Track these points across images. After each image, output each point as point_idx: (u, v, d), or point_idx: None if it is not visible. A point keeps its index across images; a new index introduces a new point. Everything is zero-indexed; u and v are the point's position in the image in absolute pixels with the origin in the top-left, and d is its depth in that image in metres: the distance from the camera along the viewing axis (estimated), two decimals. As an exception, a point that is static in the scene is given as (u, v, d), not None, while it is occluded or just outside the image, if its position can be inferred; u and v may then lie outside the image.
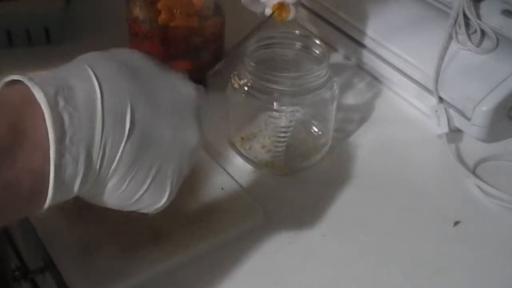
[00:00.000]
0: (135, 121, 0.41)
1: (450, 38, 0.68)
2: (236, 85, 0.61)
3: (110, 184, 0.41)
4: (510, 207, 0.61)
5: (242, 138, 0.65)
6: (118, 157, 0.40)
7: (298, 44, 0.64)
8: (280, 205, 0.60)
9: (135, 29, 0.71)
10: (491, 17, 0.70)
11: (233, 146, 0.65)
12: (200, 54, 0.72)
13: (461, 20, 0.68)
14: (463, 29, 0.68)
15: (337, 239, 0.57)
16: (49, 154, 0.37)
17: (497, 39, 0.67)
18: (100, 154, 0.39)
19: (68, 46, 0.79)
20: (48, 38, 0.78)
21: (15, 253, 0.72)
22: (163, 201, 0.44)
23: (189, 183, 0.59)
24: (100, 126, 0.39)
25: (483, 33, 0.68)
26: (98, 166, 0.40)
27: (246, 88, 0.60)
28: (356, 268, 0.55)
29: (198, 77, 0.73)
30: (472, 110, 0.65)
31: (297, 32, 0.64)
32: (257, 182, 0.62)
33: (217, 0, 0.72)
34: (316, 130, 0.66)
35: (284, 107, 0.60)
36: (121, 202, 0.43)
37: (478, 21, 0.68)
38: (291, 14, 0.65)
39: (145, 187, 0.43)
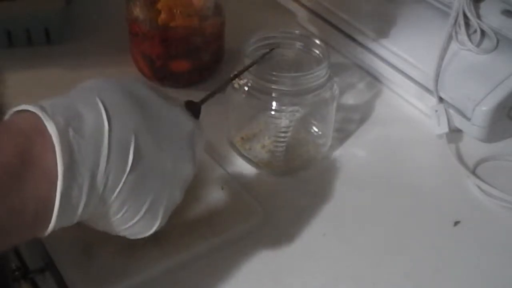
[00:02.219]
0: (139, 153, 0.42)
1: (450, 38, 0.68)
2: (236, 85, 0.61)
3: (109, 211, 0.42)
4: (510, 207, 0.61)
5: (242, 138, 0.65)
6: (120, 186, 0.41)
7: (298, 44, 0.64)
8: (280, 205, 0.60)
9: (135, 29, 0.71)
10: (491, 17, 0.70)
11: (233, 146, 0.65)
12: (200, 54, 0.72)
13: (461, 20, 0.68)
14: (463, 29, 0.68)
15: (337, 239, 0.57)
16: (56, 182, 0.38)
17: (497, 39, 0.67)
18: (103, 182, 0.41)
19: (68, 46, 0.79)
20: (48, 38, 0.78)
21: (15, 253, 0.72)
22: (154, 228, 0.46)
23: (190, 183, 0.59)
24: (105, 156, 0.40)
25: (483, 33, 0.68)
26: (100, 194, 0.41)
27: (246, 88, 0.60)
28: (356, 268, 0.55)
29: (198, 77, 0.73)
30: (472, 110, 0.65)
31: (297, 32, 0.64)
32: (257, 182, 0.62)
33: (217, 0, 0.72)
34: (316, 130, 0.66)
35: (284, 107, 0.60)
36: (115, 228, 0.44)
37: (478, 21, 0.68)
38: None
39: (140, 214, 0.44)
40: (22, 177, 0.37)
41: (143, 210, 0.44)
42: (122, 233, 0.45)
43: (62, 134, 0.39)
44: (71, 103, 0.41)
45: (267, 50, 0.61)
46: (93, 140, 0.40)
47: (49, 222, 0.39)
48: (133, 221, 0.44)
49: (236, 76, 0.59)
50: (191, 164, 0.46)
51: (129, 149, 0.41)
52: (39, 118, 0.39)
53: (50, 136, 0.38)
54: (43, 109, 0.40)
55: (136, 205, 0.43)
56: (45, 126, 0.39)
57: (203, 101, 0.52)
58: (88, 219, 0.43)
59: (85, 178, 0.40)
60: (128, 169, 0.41)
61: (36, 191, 0.38)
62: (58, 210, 0.39)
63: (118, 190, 0.41)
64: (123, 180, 0.41)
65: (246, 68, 0.59)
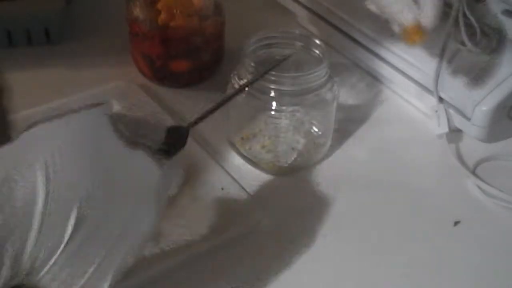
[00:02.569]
0: (82, 220, 0.39)
1: (450, 38, 0.68)
2: (236, 85, 0.61)
3: (45, 278, 0.39)
4: (510, 207, 0.61)
5: (242, 138, 0.65)
6: (54, 259, 0.38)
7: (298, 44, 0.64)
8: (280, 205, 0.60)
9: (135, 29, 0.71)
10: (491, 17, 0.70)
11: (233, 146, 0.65)
12: (200, 54, 0.72)
13: (461, 20, 0.68)
14: (463, 29, 0.68)
15: (337, 238, 0.57)
16: None
17: (497, 39, 0.67)
18: (33, 257, 0.38)
19: (68, 46, 0.79)
20: (48, 38, 0.78)
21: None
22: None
23: (190, 183, 0.59)
24: (36, 230, 0.37)
25: (483, 33, 0.68)
26: (28, 267, 0.38)
27: (246, 88, 0.60)
28: (356, 268, 0.55)
29: (198, 77, 0.73)
30: (472, 110, 0.65)
31: (297, 32, 0.64)
32: (257, 182, 0.62)
33: (217, 0, 0.72)
34: (316, 130, 0.66)
35: (284, 107, 0.60)
36: None
37: (478, 21, 0.68)
38: (424, 38, 0.55)
39: (83, 279, 0.40)
40: None
41: (87, 275, 0.40)
42: None
43: None
44: (7, 161, 0.38)
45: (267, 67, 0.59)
46: (23, 213, 0.37)
47: None
48: (79, 284, 0.40)
49: (229, 98, 0.56)
50: (150, 219, 0.42)
51: (68, 220, 0.38)
52: None
53: None
54: None
55: (78, 271, 0.40)
56: None
57: (194, 123, 0.48)
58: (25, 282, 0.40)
59: (8, 255, 0.36)
60: (64, 241, 0.38)
61: None
62: None
63: (52, 262, 0.38)
64: (57, 253, 0.38)
65: (244, 86, 0.56)
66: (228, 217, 0.56)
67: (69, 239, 0.38)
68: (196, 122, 0.49)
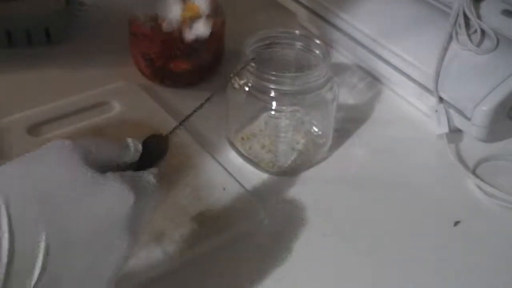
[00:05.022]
0: (45, 266, 0.36)
1: (450, 38, 0.68)
2: (236, 85, 0.61)
3: None
4: (510, 207, 0.61)
5: (242, 138, 0.65)
6: None
7: (298, 44, 0.64)
8: (280, 205, 0.60)
9: (135, 29, 0.71)
10: (491, 17, 0.70)
11: (233, 146, 0.65)
12: (200, 54, 0.71)
13: (461, 20, 0.68)
14: (463, 29, 0.68)
15: (337, 239, 0.57)
16: None
17: (497, 39, 0.67)
18: None
19: (68, 46, 0.79)
20: (48, 38, 0.78)
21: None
22: None
23: (190, 184, 0.59)
24: (2, 272, 0.35)
25: (483, 33, 0.68)
26: None
27: (246, 88, 0.60)
28: (356, 268, 0.55)
29: (198, 77, 0.73)
30: (472, 110, 0.65)
31: (297, 32, 0.64)
32: (257, 182, 0.62)
33: (217, 0, 0.72)
34: (316, 130, 0.66)
35: (284, 107, 0.60)
36: None
37: (478, 21, 0.68)
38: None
39: None
40: None
41: None
42: None
43: None
44: None
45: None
46: None
47: None
48: None
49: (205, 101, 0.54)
50: (120, 246, 0.40)
51: (33, 266, 0.36)
52: None
53: None
54: None
55: None
56: None
57: (173, 130, 0.47)
58: None
59: None
60: (33, 283, 0.36)
61: None
62: None
63: None
64: None
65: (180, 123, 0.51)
66: (230, 217, 0.57)
67: (35, 285, 0.36)
68: (174, 129, 0.48)
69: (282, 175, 0.63)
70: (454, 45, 0.68)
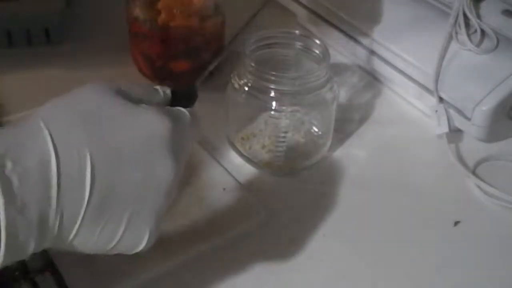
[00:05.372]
0: (95, 175, 0.38)
1: (450, 38, 0.68)
2: (236, 85, 0.61)
3: (77, 241, 0.40)
4: (510, 207, 0.61)
5: (242, 138, 0.65)
6: (80, 217, 0.38)
7: (298, 44, 0.64)
8: (280, 205, 0.60)
9: (135, 29, 0.71)
10: (491, 17, 0.70)
11: (233, 146, 0.65)
12: (200, 54, 0.72)
13: (461, 20, 0.68)
14: (463, 29, 0.68)
15: (337, 239, 0.57)
16: None
17: (497, 39, 0.67)
18: (58, 216, 0.38)
19: (68, 46, 0.79)
20: (48, 38, 0.78)
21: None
22: (143, 243, 0.43)
23: (191, 183, 0.59)
24: (55, 186, 0.37)
25: (483, 33, 0.68)
26: (57, 227, 0.38)
27: (246, 88, 0.60)
28: (356, 268, 0.55)
29: (198, 77, 0.73)
30: (472, 110, 0.65)
31: (297, 32, 0.64)
32: (257, 182, 0.62)
33: (217, 0, 0.72)
34: (316, 130, 0.66)
35: (284, 107, 0.60)
36: (96, 251, 0.41)
37: (478, 21, 0.68)
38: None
39: (119, 235, 0.41)
40: None
41: (121, 229, 0.40)
42: (110, 253, 0.42)
43: None
44: (13, 134, 0.38)
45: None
46: (38, 172, 0.37)
47: None
48: (114, 242, 0.41)
49: (235, 38, 0.55)
50: (168, 167, 0.42)
51: (84, 176, 0.38)
52: None
53: None
54: None
55: (110, 227, 0.40)
56: None
57: (201, 78, 0.48)
58: (61, 248, 0.40)
59: (33, 213, 0.36)
60: (86, 197, 0.38)
61: None
62: (5, 247, 0.36)
63: (79, 221, 0.38)
64: (82, 210, 0.38)
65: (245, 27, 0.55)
66: (230, 218, 0.57)
67: (89, 196, 0.38)
68: (202, 77, 0.50)
69: (282, 175, 0.63)
70: (454, 45, 0.68)
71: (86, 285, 0.50)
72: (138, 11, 0.70)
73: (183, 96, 0.48)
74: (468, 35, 0.68)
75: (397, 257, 0.56)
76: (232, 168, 0.63)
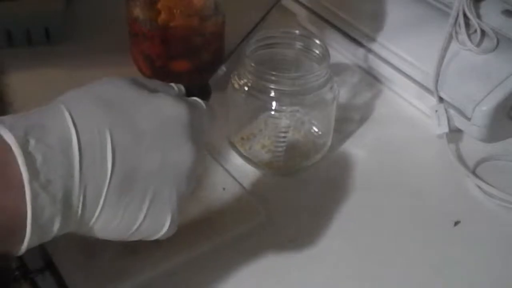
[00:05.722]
0: (116, 152, 0.39)
1: (450, 38, 0.68)
2: (236, 85, 0.61)
3: (100, 222, 0.40)
4: (510, 207, 0.61)
5: (242, 138, 0.65)
6: (103, 195, 0.39)
7: (298, 44, 0.64)
8: (281, 205, 0.60)
9: (135, 29, 0.71)
10: (491, 17, 0.70)
11: (233, 146, 0.65)
12: (200, 54, 0.72)
13: (461, 20, 0.68)
14: (463, 29, 0.68)
15: (337, 238, 0.57)
16: (23, 193, 0.36)
17: (497, 39, 0.67)
18: (82, 193, 0.38)
19: (68, 46, 0.79)
20: (48, 38, 0.78)
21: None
22: (166, 227, 0.43)
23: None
24: (77, 164, 0.38)
25: (483, 33, 0.68)
26: (80, 205, 0.38)
27: (246, 88, 0.60)
28: (356, 268, 0.55)
29: (198, 77, 0.73)
30: (472, 110, 0.65)
31: (297, 32, 0.64)
32: (257, 182, 0.62)
33: (217, 0, 0.72)
34: (316, 130, 0.66)
35: (284, 107, 0.60)
36: (118, 235, 0.42)
37: (478, 21, 0.68)
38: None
39: (140, 218, 0.41)
40: None
41: (143, 212, 0.41)
42: (132, 238, 0.43)
43: (22, 143, 0.36)
44: (34, 115, 0.39)
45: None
46: (61, 149, 0.37)
47: (23, 238, 0.37)
48: (136, 226, 0.42)
49: (243, 40, 0.56)
50: (187, 151, 0.42)
51: (105, 155, 0.39)
52: None
53: (11, 147, 0.36)
54: (1, 121, 0.37)
55: (132, 209, 0.41)
56: (4, 138, 0.36)
57: (214, 74, 0.50)
58: (84, 232, 0.41)
59: (57, 188, 0.37)
60: (108, 176, 0.39)
61: (2, 201, 0.36)
62: (31, 223, 0.36)
63: (102, 200, 0.39)
64: (105, 188, 0.39)
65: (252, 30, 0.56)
66: (230, 218, 0.57)
67: (111, 172, 0.39)
68: (214, 73, 0.52)
69: (282, 175, 0.63)
70: (454, 45, 0.68)
71: (86, 285, 0.50)
72: (138, 11, 0.69)
73: (197, 93, 0.49)
74: (468, 35, 0.68)
75: (397, 257, 0.56)
76: (232, 168, 0.63)
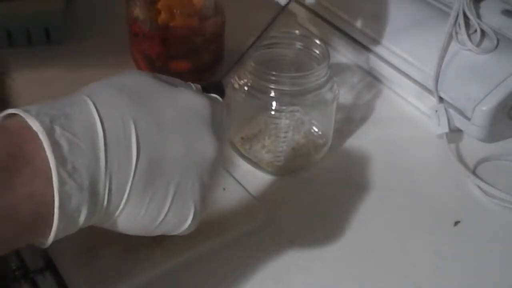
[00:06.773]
0: (140, 141, 0.39)
1: (450, 38, 0.68)
2: (236, 85, 0.61)
3: (125, 213, 0.40)
4: (510, 207, 0.61)
5: (242, 138, 0.65)
6: (129, 185, 0.39)
7: (298, 44, 0.64)
8: (281, 205, 0.60)
9: (135, 29, 0.71)
10: (491, 17, 0.70)
11: (233, 146, 0.65)
12: (200, 54, 0.72)
13: (461, 20, 0.68)
14: (463, 29, 0.68)
15: (337, 238, 0.57)
16: (51, 180, 0.36)
17: (497, 39, 0.67)
18: (108, 182, 0.38)
19: (68, 46, 0.79)
20: (48, 38, 0.78)
21: (15, 253, 0.72)
22: (189, 220, 0.43)
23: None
24: (103, 153, 0.38)
25: (483, 33, 0.68)
26: (106, 195, 0.39)
27: (246, 88, 0.60)
28: (356, 268, 0.55)
29: (198, 77, 0.73)
30: (472, 110, 0.65)
31: (297, 32, 0.64)
32: (257, 182, 0.62)
33: (217, 0, 0.72)
34: (316, 130, 0.66)
35: (284, 107, 0.60)
36: (143, 229, 0.42)
37: (478, 21, 0.68)
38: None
39: (165, 209, 0.41)
40: (13, 173, 0.36)
41: (167, 203, 0.41)
42: (156, 233, 0.43)
43: (48, 131, 0.36)
44: (59, 104, 0.39)
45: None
46: (86, 137, 0.38)
47: (50, 227, 0.37)
48: (161, 217, 0.41)
49: (255, 42, 0.57)
50: (209, 143, 0.43)
51: (130, 144, 0.39)
52: (25, 119, 0.37)
53: (37, 135, 0.36)
54: (26, 110, 0.38)
55: (157, 200, 0.41)
56: (31, 126, 0.37)
57: (226, 75, 0.51)
58: (109, 225, 0.41)
59: (84, 176, 0.37)
60: (133, 165, 0.39)
61: (30, 190, 0.36)
62: (59, 211, 0.36)
63: (128, 189, 0.39)
64: (130, 178, 0.39)
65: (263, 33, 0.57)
66: (230, 218, 0.57)
67: (136, 161, 0.39)
68: (225, 74, 0.53)
69: (282, 175, 0.63)
70: (454, 45, 0.68)
71: (86, 285, 0.50)
72: (138, 11, 0.70)
73: (212, 91, 0.49)
74: (468, 35, 0.68)
75: (397, 257, 0.56)
76: (232, 168, 0.63)
